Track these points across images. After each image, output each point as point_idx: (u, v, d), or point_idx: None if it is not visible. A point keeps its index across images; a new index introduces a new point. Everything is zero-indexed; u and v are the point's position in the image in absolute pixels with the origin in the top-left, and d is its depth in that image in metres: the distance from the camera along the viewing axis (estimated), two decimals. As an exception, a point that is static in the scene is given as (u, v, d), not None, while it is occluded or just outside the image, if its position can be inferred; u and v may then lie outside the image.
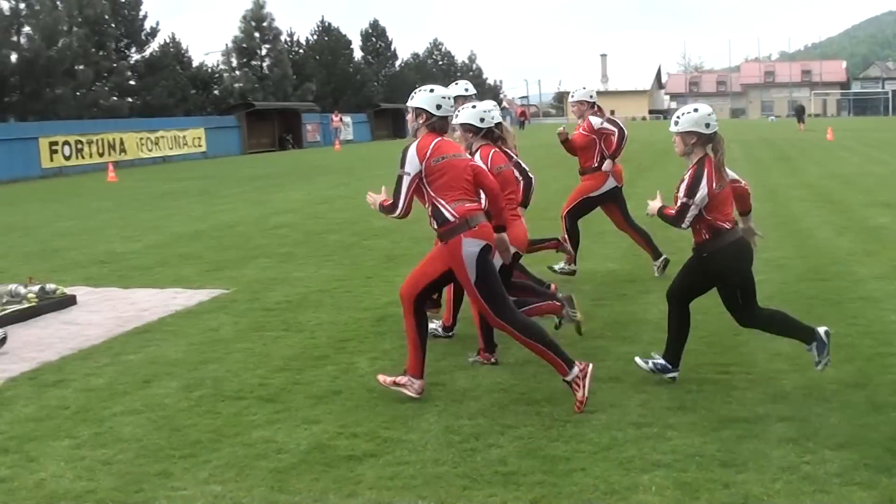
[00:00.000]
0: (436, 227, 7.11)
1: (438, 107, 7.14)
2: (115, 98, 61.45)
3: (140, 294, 11.68)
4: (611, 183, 11.63)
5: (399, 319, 9.31)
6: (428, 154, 6.99)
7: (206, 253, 14.79)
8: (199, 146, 53.08)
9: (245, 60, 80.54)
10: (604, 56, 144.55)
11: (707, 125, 7.00)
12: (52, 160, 42.08)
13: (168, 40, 71.99)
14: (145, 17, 64.86)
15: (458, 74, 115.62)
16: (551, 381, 7.17)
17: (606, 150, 11.50)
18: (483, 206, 7.28)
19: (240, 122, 57.96)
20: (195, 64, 76.24)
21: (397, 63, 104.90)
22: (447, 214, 6.98)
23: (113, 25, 62.04)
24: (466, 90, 9.58)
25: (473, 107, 8.29)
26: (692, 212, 6.86)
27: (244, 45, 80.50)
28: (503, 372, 7.65)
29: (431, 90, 7.27)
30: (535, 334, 6.92)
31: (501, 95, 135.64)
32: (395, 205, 7.06)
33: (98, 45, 58.68)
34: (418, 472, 5.60)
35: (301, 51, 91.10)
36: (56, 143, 42.55)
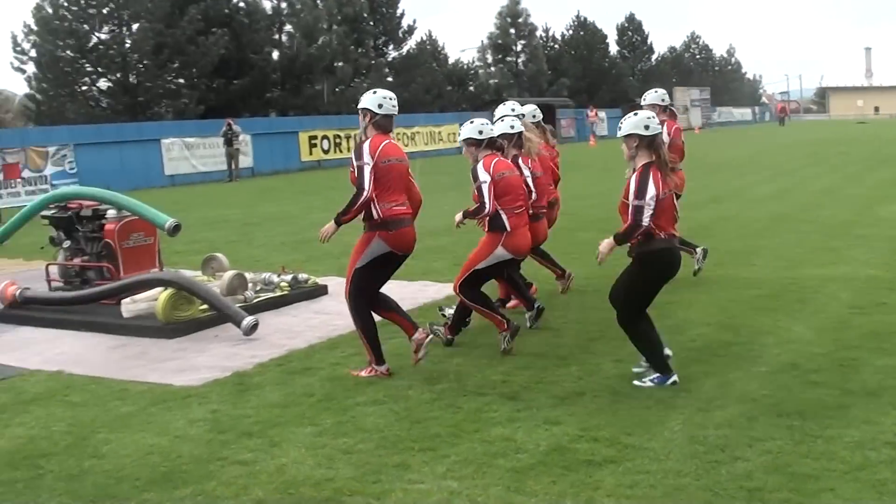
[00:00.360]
0: (362, 217, 7.93)
1: (380, 105, 7.94)
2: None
3: (390, 286, 11.73)
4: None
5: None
6: (377, 154, 7.81)
7: (455, 247, 14.86)
8: (454, 142, 53.68)
9: (500, 56, 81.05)
10: (868, 49, 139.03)
11: (647, 127, 7.27)
12: (311, 153, 43.53)
13: (425, 38, 73.21)
14: (402, 14, 66.05)
15: (716, 69, 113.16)
16: (804, 391, 6.84)
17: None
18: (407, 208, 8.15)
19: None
20: (451, 61, 77.27)
21: (653, 57, 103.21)
22: (374, 212, 7.86)
23: (371, 23, 63.47)
24: (513, 109, 10.59)
25: (471, 122, 8.93)
26: (647, 211, 7.01)
27: (499, 42, 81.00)
28: (752, 381, 7.29)
29: (374, 92, 8.05)
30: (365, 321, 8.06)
31: (760, 91, 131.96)
32: (361, 190, 7.74)
33: (356, 42, 60.14)
34: (658, 483, 5.39)
35: (556, 46, 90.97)
36: (315, 138, 43.97)
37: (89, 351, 9.44)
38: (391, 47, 66.35)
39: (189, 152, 37.72)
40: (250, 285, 11.16)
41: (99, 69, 48.64)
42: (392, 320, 8.34)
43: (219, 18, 49.94)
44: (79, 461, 6.19)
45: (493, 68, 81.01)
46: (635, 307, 7.45)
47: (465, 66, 79.24)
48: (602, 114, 69.24)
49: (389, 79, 64.64)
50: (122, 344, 9.66)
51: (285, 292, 11.39)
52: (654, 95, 11.70)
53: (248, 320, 9.65)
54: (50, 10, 47.31)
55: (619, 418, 6.49)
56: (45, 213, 12.07)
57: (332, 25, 57.84)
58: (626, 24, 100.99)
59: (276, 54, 55.58)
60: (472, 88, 76.07)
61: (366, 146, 7.84)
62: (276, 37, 56.26)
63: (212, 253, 12.33)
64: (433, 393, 7.25)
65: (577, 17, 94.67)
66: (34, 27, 47.72)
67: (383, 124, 8.01)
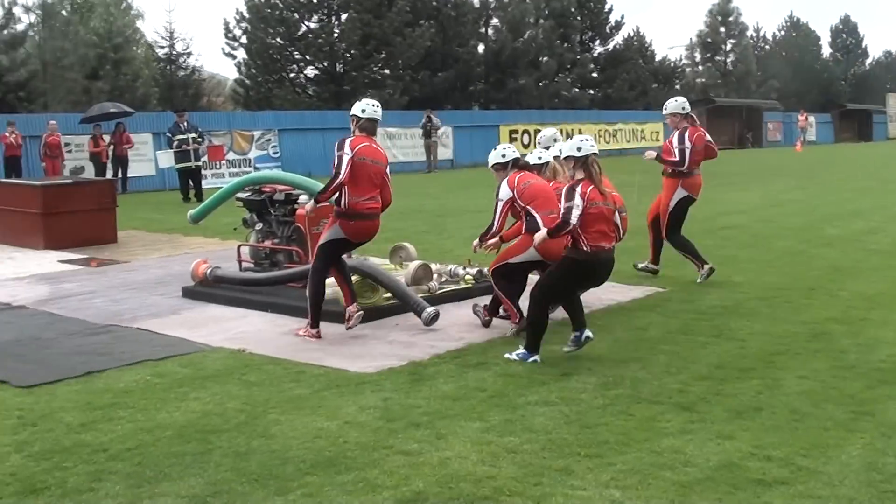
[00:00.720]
0: (333, 202, 9.26)
1: (363, 111, 9.24)
2: (576, 90, 62.59)
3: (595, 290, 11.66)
4: (681, 192, 12.28)
5: (837, 338, 8.76)
6: (356, 150, 9.01)
7: (647, 250, 14.57)
8: (657, 140, 53.08)
9: (709, 55, 79.63)
10: None
11: (578, 149, 8.33)
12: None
13: (632, 33, 72.46)
14: (611, 10, 65.38)
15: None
16: None
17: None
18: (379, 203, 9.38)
19: (699, 118, 57.24)
20: (657, 58, 76.22)
21: (867, 61, 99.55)
22: (342, 201, 9.07)
23: (578, 18, 63.14)
24: (555, 140, 11.61)
25: (495, 148, 9.90)
26: (575, 211, 7.99)
27: (709, 40, 79.54)
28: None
29: (360, 100, 9.51)
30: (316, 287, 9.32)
31: None
32: (337, 175, 8.95)
33: (563, 37, 59.95)
34: (830, 509, 5.10)
35: (766, 47, 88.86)
36: (515, 132, 44.08)
37: (271, 332, 9.61)
38: (597, 42, 65.86)
39: (390, 142, 38.28)
40: (435, 276, 11.18)
41: (307, 57, 49.90)
42: (338, 283, 9.58)
43: (426, 10, 50.51)
44: (248, 439, 6.28)
45: (700, 67, 79.66)
46: (547, 296, 8.44)
47: (672, 64, 77.98)
48: (812, 119, 67.21)
49: (594, 74, 64.26)
50: (304, 327, 9.79)
51: (469, 285, 11.37)
52: (674, 105, 12.49)
53: (429, 311, 9.66)
54: (262, -1, 48.78)
55: (796, 438, 6.16)
56: (239, 195, 12.37)
57: (538, 20, 57.81)
58: (841, 26, 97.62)
59: (481, 47, 55.85)
60: (678, 87, 74.80)
61: (348, 140, 9.06)
62: (483, 30, 56.53)
63: (400, 242, 12.39)
64: (606, 398, 7.08)
65: (790, 17, 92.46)
66: (246, 14, 49.30)
67: (367, 127, 9.26)
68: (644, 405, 6.90)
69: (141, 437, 6.39)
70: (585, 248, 8.12)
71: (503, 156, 9.64)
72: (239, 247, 12.35)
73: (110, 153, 28.97)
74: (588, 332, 8.43)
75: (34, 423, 6.77)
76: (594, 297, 10.83)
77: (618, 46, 67.26)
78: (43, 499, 5.37)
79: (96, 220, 16.89)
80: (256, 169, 31.82)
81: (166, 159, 27.43)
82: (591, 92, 64.39)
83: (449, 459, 5.84)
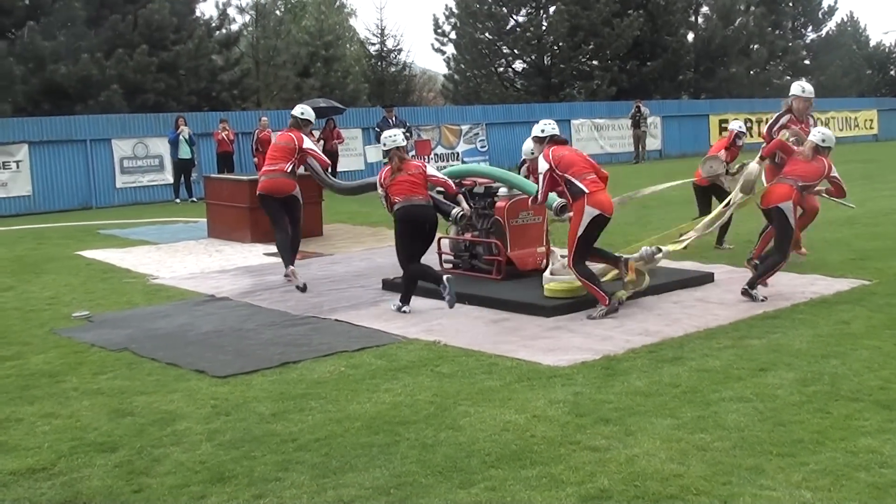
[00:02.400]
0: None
1: (302, 112, 12.74)
2: (787, 77, 60.74)
3: (779, 278, 11.31)
4: None
5: None
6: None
7: (855, 240, 14.07)
8: (871, 129, 51.14)
9: (929, 40, 76.16)
10: None
11: (542, 130, 10.31)
12: (720, 136, 42.70)
13: (846, 18, 70.00)
14: (825, -6, 63.36)
15: None
16: None
17: None
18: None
19: (909, 107, 55.09)
20: (872, 43, 73.33)
21: None
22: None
23: (790, 4, 61.21)
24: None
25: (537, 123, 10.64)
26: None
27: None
28: None
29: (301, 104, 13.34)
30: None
31: None
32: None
33: (774, 24, 58.19)
34: None
35: None
36: (725, 121, 43.03)
37: (468, 323, 9.67)
38: (809, 28, 63.70)
39: (598, 133, 38.06)
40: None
41: (515, 51, 49.91)
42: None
43: (636, 0, 49.87)
44: (435, 431, 6.33)
45: (916, 52, 76.11)
46: (404, 256, 10.51)
47: (887, 49, 74.88)
48: None
49: (806, 62, 62.26)
50: (501, 318, 9.83)
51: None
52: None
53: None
54: (472, -6, 49.11)
55: None
56: (439, 189, 12.47)
57: (749, 7, 56.30)
58: None
59: (690, 36, 54.80)
60: (893, 73, 71.85)
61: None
62: (692, 18, 55.46)
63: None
64: (803, 395, 6.84)
65: None
66: (455, 10, 49.72)
67: (293, 125, 12.71)
68: (842, 402, 6.63)
69: (330, 427, 6.52)
70: (397, 200, 10.38)
71: (542, 131, 10.35)
72: (440, 239, 12.46)
73: (320, 148, 29.68)
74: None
75: (227, 412, 7.00)
76: (797, 290, 10.53)
77: (830, 32, 64.94)
78: (230, 487, 5.54)
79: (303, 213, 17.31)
80: (464, 164, 32.18)
81: (375, 153, 27.87)
82: (804, 79, 62.48)
83: (637, 457, 5.75)
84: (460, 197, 11.03)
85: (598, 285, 9.91)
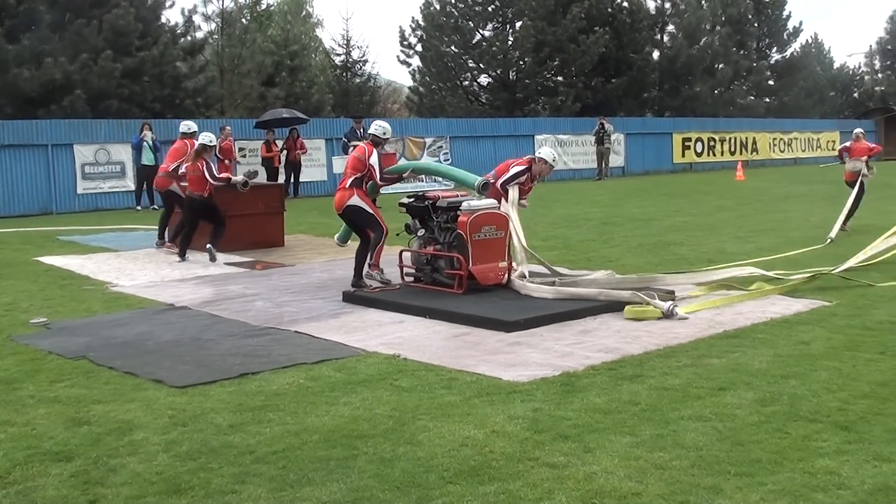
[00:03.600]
0: None
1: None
2: (751, 97, 61.28)
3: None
4: None
5: None
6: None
7: (815, 260, 14.14)
8: (833, 150, 51.58)
9: (888, 63, 76.67)
10: None
11: (383, 133, 12.61)
12: (683, 155, 43.10)
13: (810, 40, 70.65)
14: (788, 16, 63.52)
15: None
16: None
17: None
18: None
19: (877, 127, 55.66)
20: (836, 65, 74.12)
21: None
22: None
23: (755, 25, 61.67)
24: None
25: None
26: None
27: (889, 47, 76.49)
28: None
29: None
30: None
31: None
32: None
33: (739, 44, 58.62)
34: None
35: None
36: (689, 140, 43.51)
37: (428, 338, 9.63)
38: (774, 49, 64.23)
39: (561, 149, 38.18)
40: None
41: (481, 65, 50.11)
42: None
43: (602, 17, 50.08)
44: (394, 446, 6.28)
45: (880, 75, 76.85)
46: None
47: (851, 72, 75.65)
48: None
49: (770, 82, 62.76)
50: (462, 333, 9.80)
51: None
52: None
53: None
54: (438, 7, 49.27)
55: (965, 461, 5.85)
56: (403, 201, 12.50)
57: (715, 26, 56.71)
58: None
59: (656, 54, 55.11)
60: (856, 95, 72.59)
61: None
62: (658, 37, 55.78)
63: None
64: (762, 415, 6.84)
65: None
66: (421, 23, 49.84)
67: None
68: (801, 423, 6.64)
69: (288, 440, 6.46)
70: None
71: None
72: (401, 252, 12.47)
73: (283, 158, 29.69)
74: None
75: (185, 423, 6.93)
76: (758, 310, 10.57)
77: (795, 53, 65.54)
78: (186, 499, 5.47)
79: (264, 223, 17.31)
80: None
81: (341, 164, 27.79)
82: (767, 100, 62.99)
83: (595, 474, 5.72)
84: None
85: None
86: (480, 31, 49.79)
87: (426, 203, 12.20)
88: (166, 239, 17.18)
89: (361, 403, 7.29)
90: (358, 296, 11.54)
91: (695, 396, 7.36)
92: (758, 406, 7.07)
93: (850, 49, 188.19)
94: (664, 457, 6.00)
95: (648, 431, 6.52)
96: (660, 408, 7.07)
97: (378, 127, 12.91)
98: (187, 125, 17.55)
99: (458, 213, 11.74)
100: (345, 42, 51.70)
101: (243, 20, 44.72)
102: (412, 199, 12.45)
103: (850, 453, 6.00)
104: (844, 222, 17.64)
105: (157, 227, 17.71)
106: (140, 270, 14.74)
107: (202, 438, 6.55)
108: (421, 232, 12.29)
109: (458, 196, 12.14)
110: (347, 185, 12.31)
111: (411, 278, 12.35)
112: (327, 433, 6.58)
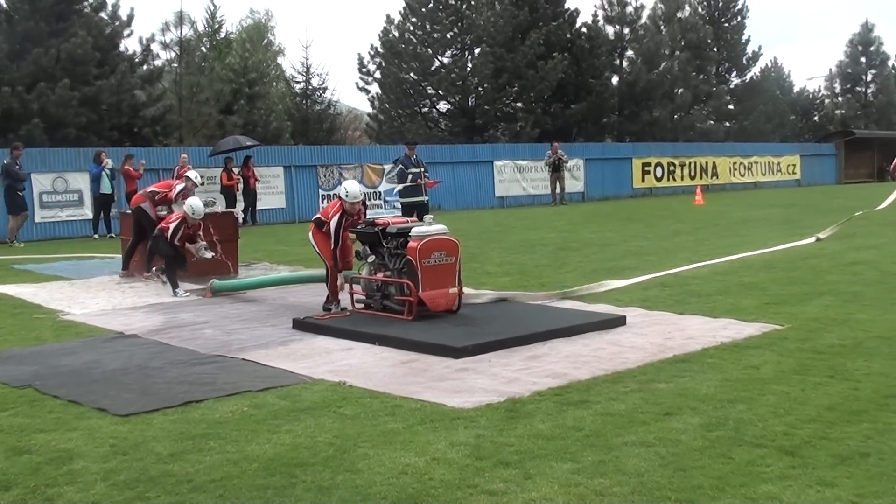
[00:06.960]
0: None
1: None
2: (711, 122, 61.71)
3: (691, 321, 11.39)
4: None
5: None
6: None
7: (771, 285, 14.16)
8: (794, 174, 52.18)
9: (849, 86, 77.55)
10: None
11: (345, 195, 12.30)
12: (643, 180, 43.29)
13: (770, 64, 71.30)
14: (748, 41, 64.22)
15: None
16: None
17: None
18: None
19: (837, 151, 56.25)
20: (796, 89, 74.81)
21: None
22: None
23: (715, 49, 62.23)
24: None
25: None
26: None
27: (849, 71, 77.40)
28: None
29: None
30: None
31: None
32: None
33: (698, 69, 59.11)
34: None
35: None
36: (649, 164, 43.72)
37: (375, 364, 9.55)
38: (734, 74, 64.83)
39: (520, 175, 38.29)
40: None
41: (440, 92, 50.20)
42: None
43: (560, 43, 50.27)
44: (333, 474, 6.19)
45: (840, 98, 77.63)
46: None
47: (811, 96, 76.35)
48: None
49: (730, 106, 63.27)
50: (410, 359, 9.73)
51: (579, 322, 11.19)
52: None
53: None
54: (396, 34, 49.37)
55: (904, 486, 5.81)
56: (353, 229, 12.48)
57: (674, 51, 57.15)
58: None
59: (615, 79, 55.43)
60: (816, 119, 73.26)
61: None
62: (617, 62, 56.13)
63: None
64: (706, 440, 6.80)
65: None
66: (380, 49, 49.92)
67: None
68: (745, 448, 6.60)
69: (227, 468, 6.37)
70: None
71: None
72: (351, 279, 12.41)
73: (241, 186, 29.61)
74: None
75: (125, 451, 6.82)
76: (709, 334, 10.56)
77: (755, 78, 66.10)
78: (119, 529, 5.38)
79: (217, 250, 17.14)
80: (387, 203, 32.40)
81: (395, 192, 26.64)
82: (727, 124, 63.47)
83: (534, 501, 5.66)
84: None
85: None
86: (439, 57, 49.92)
87: (376, 229, 12.15)
88: (147, 270, 16.76)
89: (303, 431, 7.20)
90: (308, 323, 11.46)
91: (640, 422, 7.30)
92: (703, 431, 7.02)
93: (810, 73, 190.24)
94: (605, 483, 5.94)
95: (591, 458, 6.46)
96: (604, 433, 7.01)
97: (342, 188, 12.82)
98: (193, 178, 17.53)
99: (408, 238, 11.69)
100: (304, 70, 51.70)
101: (202, 48, 44.64)
102: (362, 226, 12.40)
103: (793, 478, 5.95)
104: None
105: (111, 256, 17.57)
106: (92, 299, 14.60)
107: (141, 467, 6.45)
108: (371, 258, 12.24)
109: (407, 222, 12.12)
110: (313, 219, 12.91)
111: (361, 305, 12.28)
112: (267, 461, 6.49)
